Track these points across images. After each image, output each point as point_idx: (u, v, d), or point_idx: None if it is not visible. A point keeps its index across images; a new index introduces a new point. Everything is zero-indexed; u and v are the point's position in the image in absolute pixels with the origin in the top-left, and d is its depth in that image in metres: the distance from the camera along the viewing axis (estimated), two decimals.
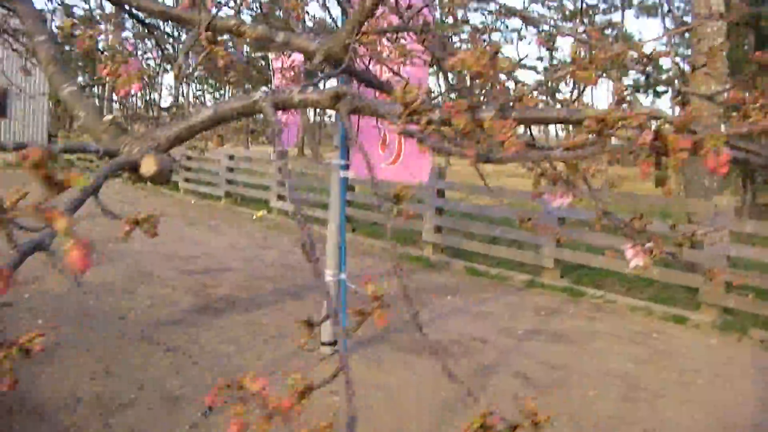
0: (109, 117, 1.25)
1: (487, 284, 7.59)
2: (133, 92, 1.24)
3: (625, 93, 1.53)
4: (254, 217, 11.43)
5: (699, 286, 6.33)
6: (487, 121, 0.83)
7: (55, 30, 1.72)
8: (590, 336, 5.76)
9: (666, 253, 2.39)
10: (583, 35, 1.55)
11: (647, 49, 1.46)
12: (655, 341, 5.72)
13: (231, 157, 13.12)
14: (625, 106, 1.38)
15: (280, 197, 11.47)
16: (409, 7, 1.90)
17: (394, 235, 7.03)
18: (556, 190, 1.39)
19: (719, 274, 1.92)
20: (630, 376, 4.84)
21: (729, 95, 1.52)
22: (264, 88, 1.26)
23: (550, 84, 1.57)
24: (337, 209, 5.13)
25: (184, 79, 1.49)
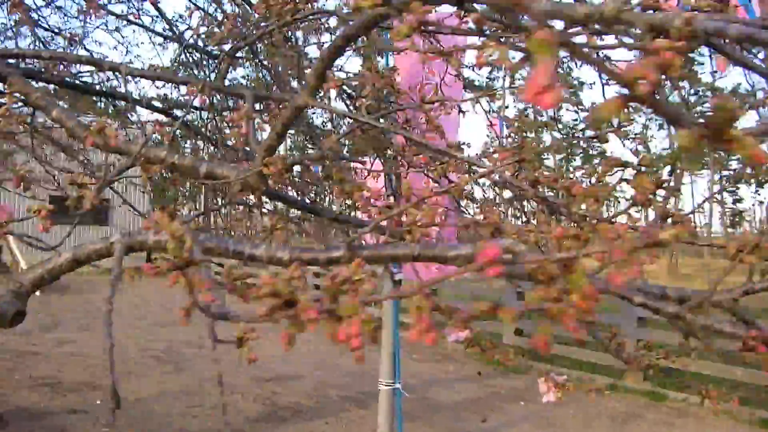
0: None
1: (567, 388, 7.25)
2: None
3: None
4: None
5: None
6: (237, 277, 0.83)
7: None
8: None
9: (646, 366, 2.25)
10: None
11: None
12: None
13: None
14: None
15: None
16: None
17: (476, 339, 6.83)
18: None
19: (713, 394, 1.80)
20: None
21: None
22: (122, 231, 1.30)
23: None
24: (390, 315, 5.10)
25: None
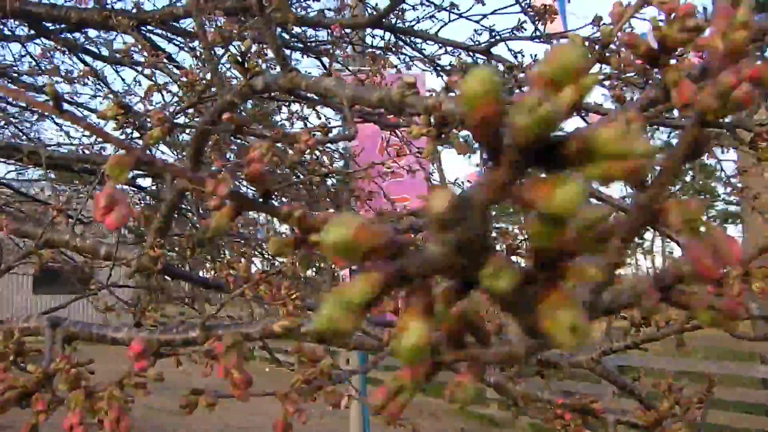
0: None
1: None
2: None
3: None
4: None
5: None
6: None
7: None
8: None
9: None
10: None
11: None
12: None
13: None
14: None
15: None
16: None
17: None
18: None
19: None
20: None
21: None
22: None
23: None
24: (358, 377, 5.06)
25: None
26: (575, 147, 0.19)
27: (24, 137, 3.99)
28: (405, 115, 1.02)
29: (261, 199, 0.49)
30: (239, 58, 1.10)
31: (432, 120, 0.81)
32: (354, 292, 0.20)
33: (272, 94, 1.64)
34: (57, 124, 6.46)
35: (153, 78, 1.85)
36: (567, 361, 1.36)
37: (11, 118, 4.26)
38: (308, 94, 1.18)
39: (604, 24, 2.09)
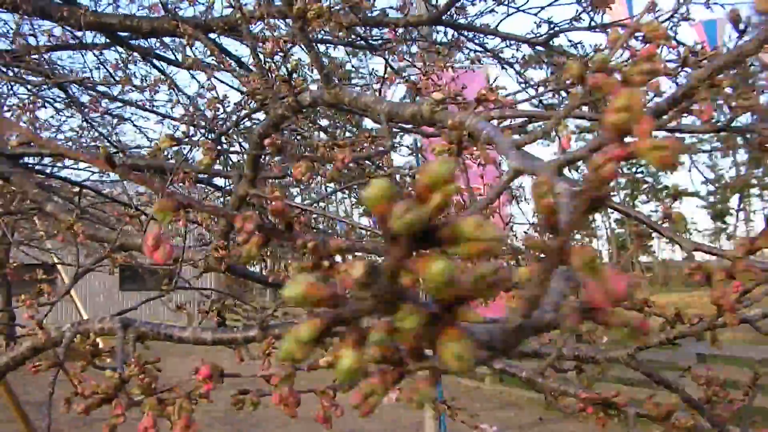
0: None
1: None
2: None
3: None
4: None
5: None
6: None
7: None
8: None
9: None
10: None
11: None
12: None
13: None
14: None
15: None
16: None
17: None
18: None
19: None
20: None
21: None
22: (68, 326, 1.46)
23: None
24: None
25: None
26: (447, 233, 0.28)
27: (105, 140, 4.20)
28: (438, 128, 1.10)
29: (285, 229, 0.59)
30: (286, 76, 1.20)
31: (454, 138, 0.89)
32: (303, 332, 0.29)
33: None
34: (136, 126, 6.76)
35: (215, 88, 1.97)
36: (603, 356, 1.42)
37: (92, 123, 4.49)
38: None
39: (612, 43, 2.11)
